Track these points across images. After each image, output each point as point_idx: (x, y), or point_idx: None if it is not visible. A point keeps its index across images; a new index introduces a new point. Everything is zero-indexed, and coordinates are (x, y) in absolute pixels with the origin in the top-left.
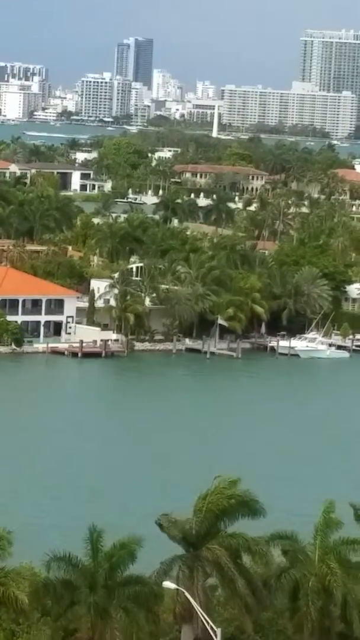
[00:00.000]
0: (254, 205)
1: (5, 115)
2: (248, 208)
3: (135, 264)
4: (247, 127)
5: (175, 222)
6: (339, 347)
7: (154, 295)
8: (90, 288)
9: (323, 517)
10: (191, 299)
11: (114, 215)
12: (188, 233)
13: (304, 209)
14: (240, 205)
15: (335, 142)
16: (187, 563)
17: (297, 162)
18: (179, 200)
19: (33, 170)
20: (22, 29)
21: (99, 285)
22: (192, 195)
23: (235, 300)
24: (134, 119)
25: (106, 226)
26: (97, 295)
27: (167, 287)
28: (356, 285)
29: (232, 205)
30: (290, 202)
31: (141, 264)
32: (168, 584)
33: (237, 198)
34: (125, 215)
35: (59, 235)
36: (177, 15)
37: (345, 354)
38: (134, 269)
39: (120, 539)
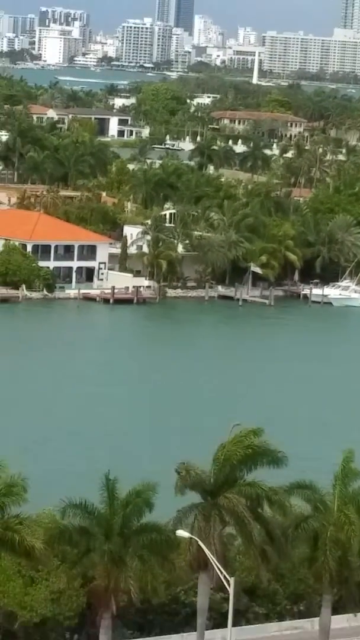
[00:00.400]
0: (291, 152)
1: (45, 61)
2: (285, 155)
3: (168, 210)
4: (287, 74)
5: (211, 168)
6: None
7: (187, 242)
8: (123, 234)
9: (342, 466)
10: (224, 245)
11: (149, 161)
12: (222, 180)
13: (341, 157)
14: (277, 152)
15: None
16: (204, 511)
17: (336, 109)
18: (215, 147)
19: (70, 116)
20: None
21: (132, 232)
22: (230, 142)
23: (269, 247)
24: (174, 65)
25: (140, 172)
26: (129, 241)
27: (200, 233)
28: None
29: (268, 152)
30: (326, 149)
31: (174, 211)
32: (182, 533)
33: (274, 145)
34: (161, 162)
35: (92, 181)
36: None
37: None
38: (167, 216)
39: (136, 486)
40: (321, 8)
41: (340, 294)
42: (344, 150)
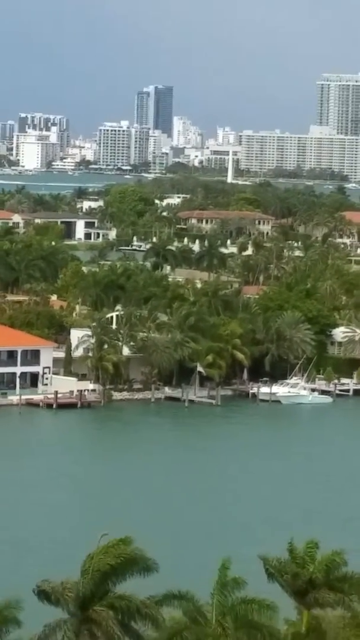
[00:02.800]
0: (250, 249)
1: (23, 166)
2: (243, 253)
3: (114, 312)
4: (265, 172)
5: (167, 268)
6: (323, 392)
7: (132, 343)
8: (68, 338)
9: (219, 575)
10: (170, 346)
11: (108, 263)
12: (170, 280)
13: (297, 253)
14: (235, 249)
15: (354, 184)
16: (73, 627)
17: (303, 206)
18: (172, 247)
19: (37, 220)
20: (43, 80)
21: (79, 335)
22: (197, 242)
23: (215, 346)
24: (152, 167)
25: (90, 274)
26: (74, 344)
27: (146, 335)
28: (341, 328)
29: (226, 250)
30: (281, 245)
31: (120, 312)
32: None
33: (228, 242)
34: (118, 263)
35: (41, 285)
36: (197, 63)
37: (328, 399)
38: (114, 318)
39: None
40: (297, 106)
41: (288, 392)
42: (300, 245)
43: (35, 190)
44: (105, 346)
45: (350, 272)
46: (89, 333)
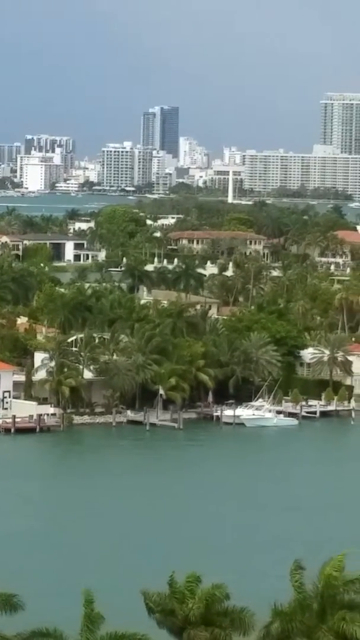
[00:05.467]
0: (231, 269)
1: (27, 188)
2: (224, 273)
3: (76, 335)
4: (268, 192)
5: (144, 290)
6: (290, 415)
7: (94, 367)
8: (31, 361)
9: (84, 609)
10: (131, 369)
11: (86, 285)
12: (143, 301)
13: (276, 273)
14: (215, 270)
15: (357, 204)
16: None
17: (295, 225)
18: (149, 268)
19: (26, 242)
20: (50, 101)
21: (42, 358)
22: (180, 262)
23: (178, 369)
24: (155, 188)
25: (58, 296)
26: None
27: (107, 357)
28: (310, 349)
29: (203, 270)
30: (259, 265)
31: (81, 335)
32: None
33: (207, 263)
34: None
35: (7, 307)
36: (202, 83)
37: (294, 422)
38: (77, 340)
39: None
40: (300, 125)
41: (253, 414)
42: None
43: (37, 212)
44: (66, 369)
45: (328, 291)
46: (48, 356)
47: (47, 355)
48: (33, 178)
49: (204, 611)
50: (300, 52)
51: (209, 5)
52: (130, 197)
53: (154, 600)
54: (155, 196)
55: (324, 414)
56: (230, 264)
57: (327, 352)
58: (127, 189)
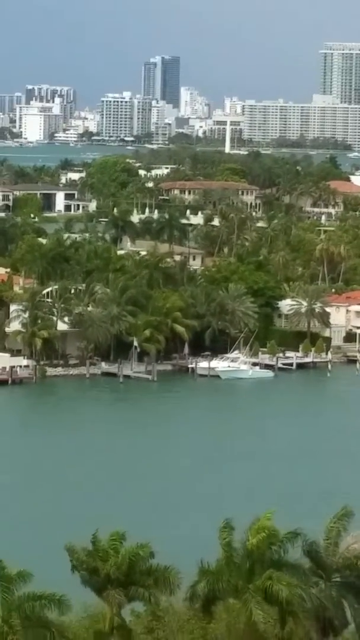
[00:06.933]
0: (217, 220)
1: (26, 138)
2: (209, 223)
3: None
4: (268, 142)
5: (127, 241)
6: (266, 366)
7: (68, 318)
8: (6, 313)
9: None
10: (106, 321)
11: (73, 235)
12: (115, 252)
13: (261, 223)
14: (201, 220)
15: (357, 153)
16: None
17: (287, 176)
18: (131, 219)
19: (16, 192)
20: (52, 50)
21: (15, 309)
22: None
23: (153, 320)
24: (154, 138)
25: (36, 247)
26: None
27: (82, 309)
28: (287, 301)
29: (186, 221)
30: (243, 216)
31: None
32: None
33: (190, 215)
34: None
35: None
36: (203, 32)
37: (269, 374)
38: (53, 292)
39: None
40: (300, 75)
41: (228, 366)
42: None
43: (33, 163)
44: (39, 321)
45: (311, 242)
46: (22, 307)
47: (20, 306)
48: (32, 128)
49: (127, 570)
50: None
51: None
52: (129, 147)
53: (78, 557)
54: (154, 146)
55: (301, 365)
56: (217, 215)
57: (304, 303)
58: (126, 139)
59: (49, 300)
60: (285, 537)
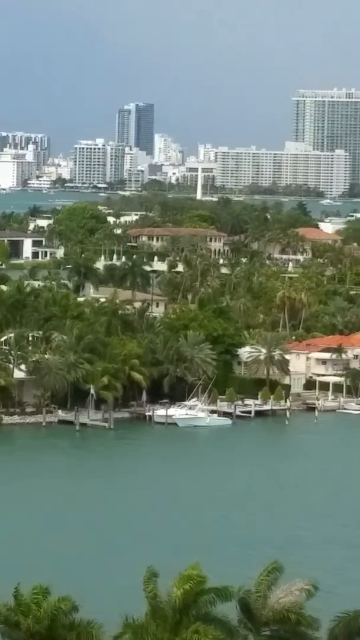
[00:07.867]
0: (181, 266)
1: None
2: (173, 270)
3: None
4: (240, 189)
5: (90, 288)
6: (224, 414)
7: (25, 366)
8: None
9: None
10: (63, 368)
11: (34, 283)
12: (73, 299)
13: (225, 270)
14: (165, 267)
15: (329, 201)
16: None
17: (255, 222)
18: (96, 266)
19: None
20: (26, 98)
21: None
22: (123, 259)
23: (110, 368)
24: (127, 185)
25: None
26: None
27: (38, 356)
28: (247, 348)
29: (152, 268)
30: (207, 263)
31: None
32: None
33: (154, 261)
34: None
35: None
36: (177, 79)
37: (227, 421)
38: (9, 339)
39: None
40: (272, 122)
41: (186, 414)
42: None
43: (5, 210)
44: None
45: (273, 289)
46: None
47: None
48: (5, 175)
49: (49, 624)
50: (272, 48)
51: (184, 3)
52: (102, 194)
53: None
54: (127, 193)
55: (259, 413)
56: (180, 262)
57: (264, 350)
58: (99, 185)
59: (6, 347)
60: (215, 588)
